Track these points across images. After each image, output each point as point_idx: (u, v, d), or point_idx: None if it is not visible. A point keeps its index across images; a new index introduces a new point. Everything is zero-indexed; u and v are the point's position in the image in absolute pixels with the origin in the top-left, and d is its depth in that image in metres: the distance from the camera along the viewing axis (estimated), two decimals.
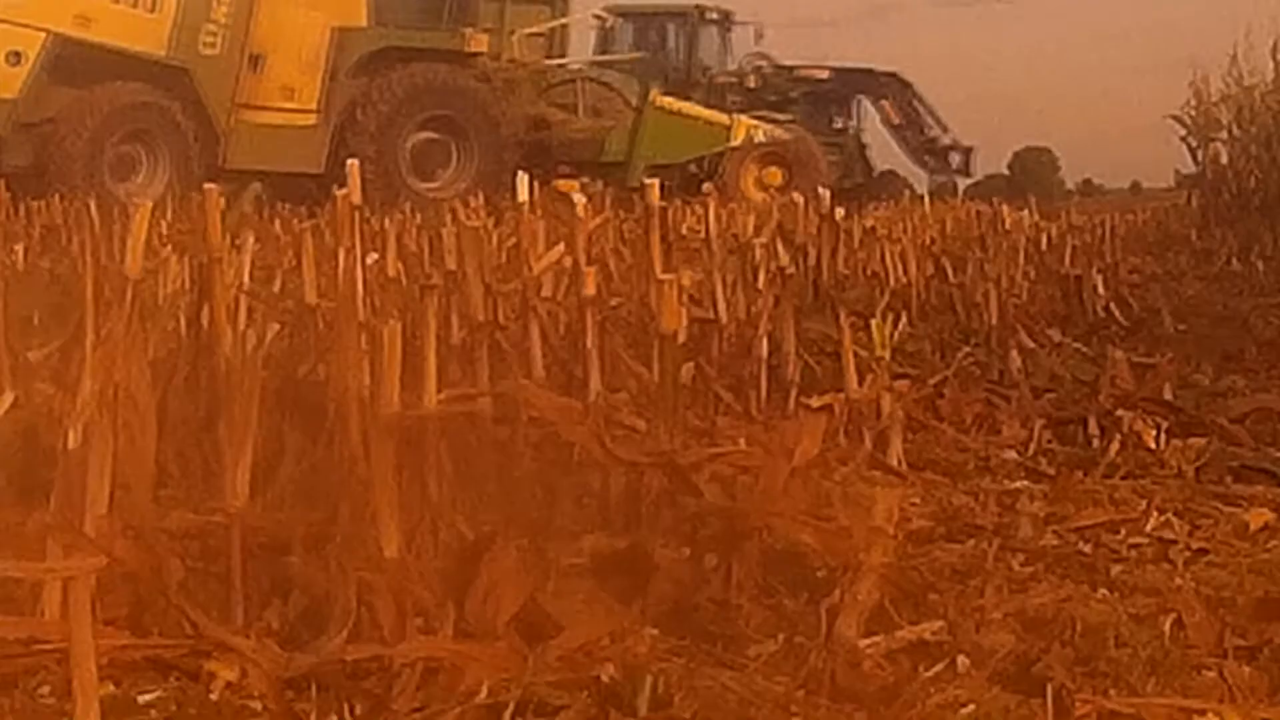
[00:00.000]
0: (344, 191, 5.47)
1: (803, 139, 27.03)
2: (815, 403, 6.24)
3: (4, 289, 5.02)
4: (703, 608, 3.86)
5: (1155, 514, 4.97)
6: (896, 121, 29.78)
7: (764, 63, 29.81)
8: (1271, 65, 24.00)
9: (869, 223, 13.22)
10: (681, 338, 4.50)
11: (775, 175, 26.06)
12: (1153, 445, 5.95)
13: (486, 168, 23.01)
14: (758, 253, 7.43)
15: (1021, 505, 5.13)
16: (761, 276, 7.26)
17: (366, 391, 4.12)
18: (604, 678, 3.28)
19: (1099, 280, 10.89)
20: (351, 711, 3.23)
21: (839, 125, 29.89)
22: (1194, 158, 24.21)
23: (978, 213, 15.08)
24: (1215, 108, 24.50)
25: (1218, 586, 4.14)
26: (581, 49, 27.95)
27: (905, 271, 10.35)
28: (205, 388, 5.04)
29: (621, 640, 3.53)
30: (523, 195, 6.44)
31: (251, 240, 6.52)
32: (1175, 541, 4.67)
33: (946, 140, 30.11)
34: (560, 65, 26.52)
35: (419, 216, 14.75)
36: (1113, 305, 10.68)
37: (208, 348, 5.06)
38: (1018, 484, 5.55)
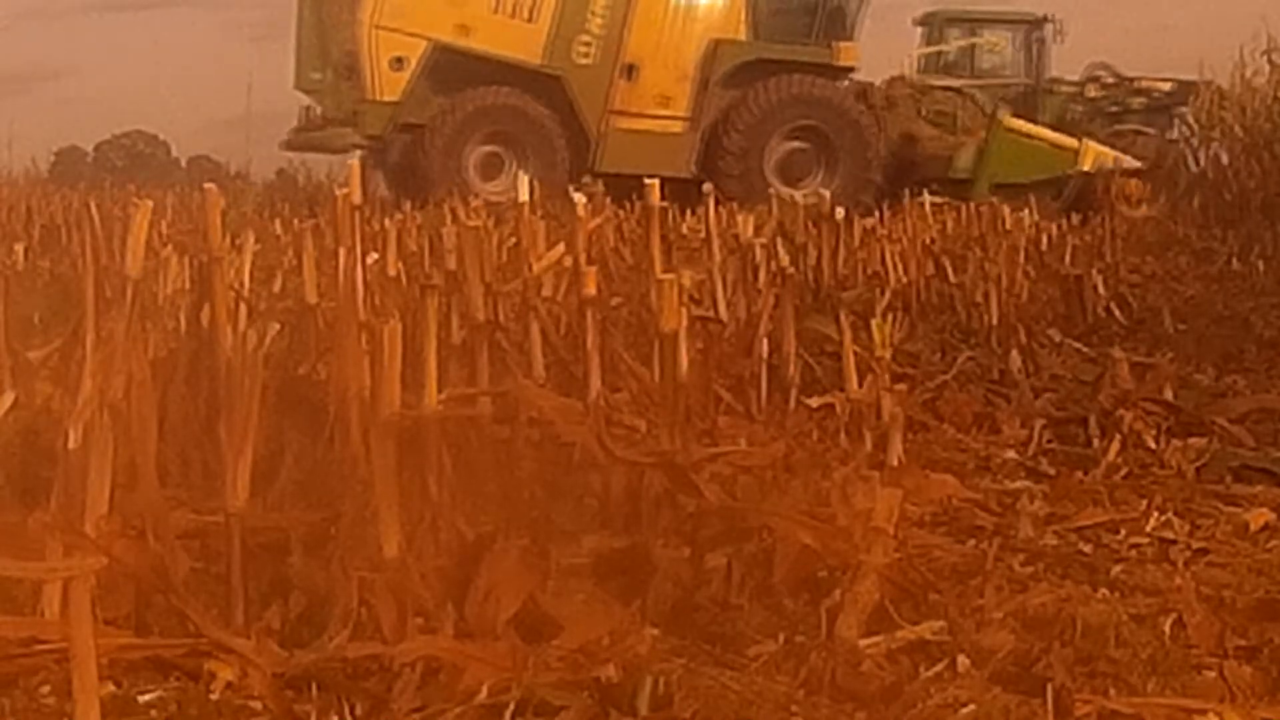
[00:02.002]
0: (344, 191, 5.47)
1: (1166, 157, 26.67)
2: (815, 403, 6.26)
3: (4, 289, 5.02)
4: (703, 608, 3.86)
5: (1155, 514, 4.97)
6: None
7: (1104, 72, 29.43)
8: (1269, 67, 24.10)
9: (869, 222, 13.21)
10: (682, 337, 4.50)
11: (1137, 188, 25.72)
12: (1153, 445, 5.95)
13: (851, 177, 23.79)
14: (758, 253, 7.42)
15: (1022, 505, 5.13)
16: (761, 276, 7.25)
17: (367, 391, 4.12)
18: (604, 678, 3.28)
19: (1099, 280, 10.89)
20: (351, 711, 3.23)
21: (1172, 137, 29.34)
22: (1195, 158, 24.25)
23: (978, 212, 15.09)
24: (1218, 108, 24.55)
25: (1218, 586, 4.14)
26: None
27: (905, 271, 10.35)
28: (205, 388, 5.05)
29: (621, 640, 3.53)
30: (523, 195, 6.44)
31: (252, 240, 6.52)
32: (1175, 541, 4.67)
33: None
34: (944, 85, 26.63)
35: (419, 216, 14.76)
36: (1113, 305, 10.68)
37: (208, 348, 5.06)
38: (1018, 484, 5.55)
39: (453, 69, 23.34)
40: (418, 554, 3.61)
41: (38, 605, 3.48)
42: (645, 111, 24.22)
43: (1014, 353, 7.94)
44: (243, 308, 5.60)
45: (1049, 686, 3.26)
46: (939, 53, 28.56)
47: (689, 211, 15.52)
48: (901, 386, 6.11)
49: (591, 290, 4.93)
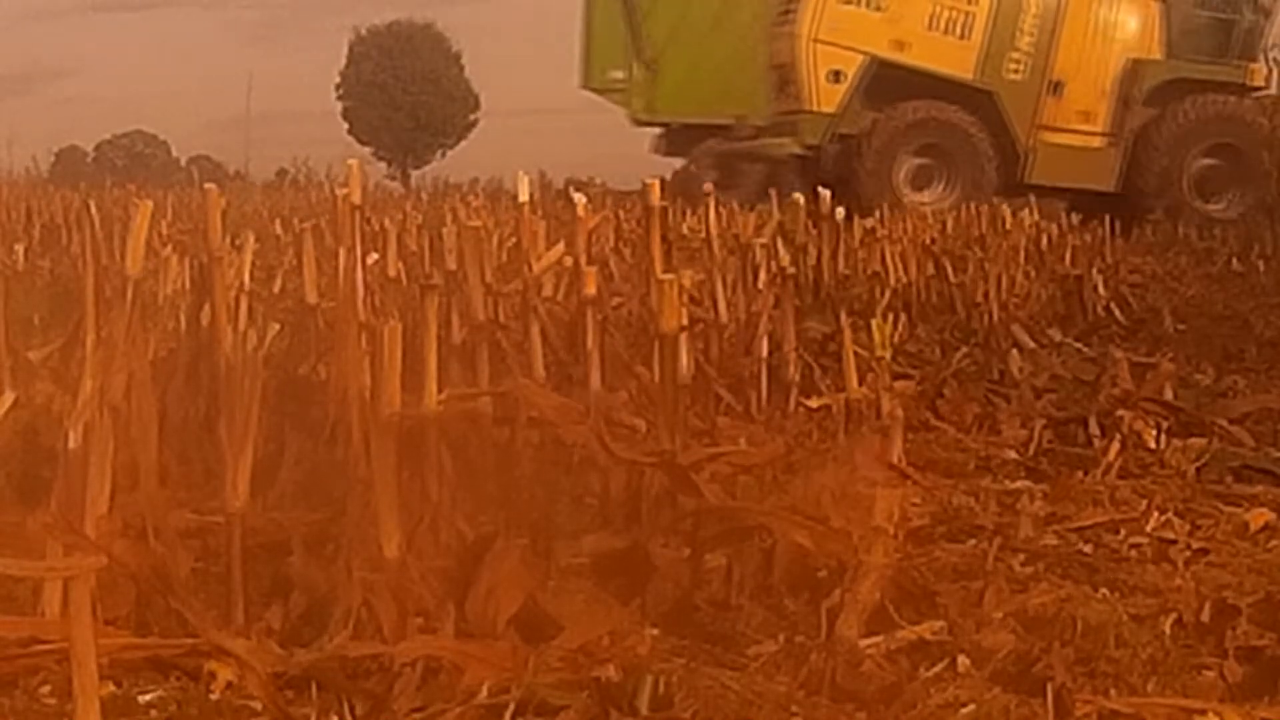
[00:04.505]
0: (344, 191, 5.47)
1: None
2: (815, 403, 6.26)
3: (4, 289, 5.02)
4: (702, 608, 3.86)
5: (1155, 514, 4.97)
6: None
7: None
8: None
9: (869, 223, 13.21)
10: (682, 338, 4.49)
11: None
12: (1153, 445, 5.95)
13: (1258, 196, 24.29)
14: (758, 253, 7.42)
15: (1022, 505, 5.12)
16: (761, 276, 7.25)
17: (367, 391, 4.12)
18: (604, 678, 3.27)
19: (1099, 280, 10.90)
20: (351, 711, 3.23)
21: None
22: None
23: (978, 212, 15.09)
24: None
25: (1218, 586, 4.14)
26: None
27: (905, 271, 10.35)
28: (205, 388, 5.05)
29: (621, 640, 3.53)
30: (523, 195, 6.43)
31: (251, 240, 6.51)
32: (1175, 541, 4.67)
33: None
34: None
35: (421, 217, 14.75)
36: (1113, 305, 10.68)
37: (208, 348, 5.06)
38: (1018, 484, 5.55)
39: (887, 82, 24.18)
40: (418, 554, 3.61)
41: (38, 605, 3.48)
42: (1069, 126, 24.87)
43: (1014, 353, 7.94)
44: (243, 308, 5.60)
45: (1049, 686, 3.26)
46: None
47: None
48: (901, 384, 6.12)
49: (591, 290, 4.93)
